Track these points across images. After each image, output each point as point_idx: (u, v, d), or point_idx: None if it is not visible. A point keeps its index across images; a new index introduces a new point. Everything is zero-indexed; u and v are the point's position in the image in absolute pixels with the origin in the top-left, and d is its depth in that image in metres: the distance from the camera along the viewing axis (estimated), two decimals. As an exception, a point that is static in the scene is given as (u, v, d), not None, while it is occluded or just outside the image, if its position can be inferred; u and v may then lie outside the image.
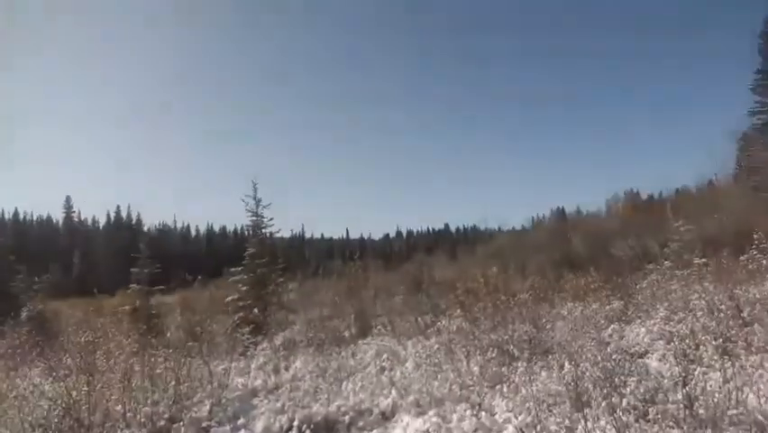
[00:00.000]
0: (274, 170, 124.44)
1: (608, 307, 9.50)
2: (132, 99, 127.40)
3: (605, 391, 4.97)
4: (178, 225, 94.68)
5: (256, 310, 13.47)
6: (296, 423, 5.50)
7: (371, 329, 11.71)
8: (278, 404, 6.31)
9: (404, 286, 18.28)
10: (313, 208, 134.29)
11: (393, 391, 6.35)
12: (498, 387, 6.12)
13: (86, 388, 5.65)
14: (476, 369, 6.80)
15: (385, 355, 8.62)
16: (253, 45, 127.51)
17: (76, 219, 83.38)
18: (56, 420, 5.46)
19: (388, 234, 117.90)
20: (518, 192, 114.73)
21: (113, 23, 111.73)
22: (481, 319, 8.97)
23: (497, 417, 5.29)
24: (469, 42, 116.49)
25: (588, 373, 5.40)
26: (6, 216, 77.80)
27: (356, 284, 13.16)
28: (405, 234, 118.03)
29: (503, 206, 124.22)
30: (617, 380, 5.16)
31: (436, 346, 8.14)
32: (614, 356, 5.78)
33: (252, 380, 7.85)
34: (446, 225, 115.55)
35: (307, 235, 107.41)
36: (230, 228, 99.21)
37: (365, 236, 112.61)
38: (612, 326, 8.33)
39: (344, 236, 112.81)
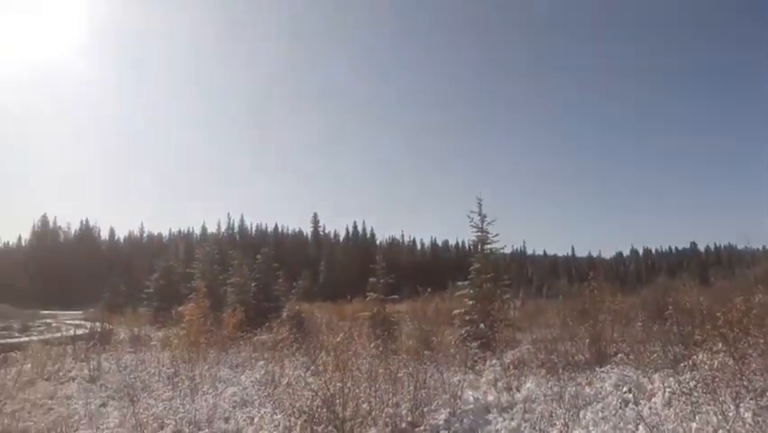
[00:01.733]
0: (495, 183, 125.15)
1: None
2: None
3: None
4: (406, 239, 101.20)
5: (482, 325, 13.58)
6: (532, 445, 5.36)
7: (609, 357, 10.81)
8: (514, 423, 6.23)
9: (644, 311, 16.51)
10: (535, 224, 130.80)
11: (641, 428, 5.75)
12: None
13: (339, 384, 6.28)
14: (747, 415, 5.75)
15: (626, 387, 7.88)
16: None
17: (322, 233, 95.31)
18: (317, 409, 6.19)
19: (620, 253, 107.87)
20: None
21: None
22: (753, 357, 7.56)
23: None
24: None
25: None
26: (269, 230, 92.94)
27: (591, 306, 12.29)
28: (641, 253, 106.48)
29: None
30: None
31: (692, 383, 7.12)
32: None
33: (484, 395, 7.91)
34: (693, 244, 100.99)
35: (529, 252, 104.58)
36: (452, 242, 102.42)
37: (593, 254, 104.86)
38: None
39: (570, 254, 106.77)
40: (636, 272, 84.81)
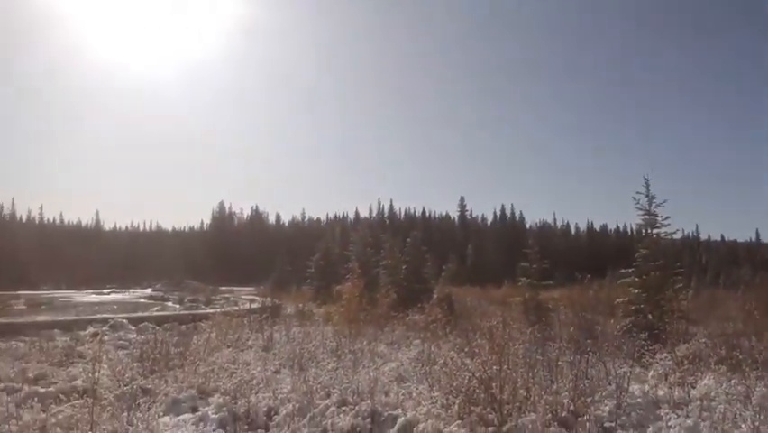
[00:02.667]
0: (665, 159, 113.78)
1: None
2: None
3: None
4: (558, 223, 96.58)
5: (650, 316, 12.52)
6: (715, 448, 4.86)
7: (808, 357, 9.33)
8: (689, 422, 5.68)
9: None
10: (711, 205, 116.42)
11: None
12: None
13: (496, 367, 6.26)
14: None
15: (833, 393, 6.75)
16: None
17: (468, 216, 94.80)
18: (474, 390, 6.25)
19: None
20: None
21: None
22: None
23: None
24: None
25: None
26: (417, 213, 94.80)
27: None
28: None
29: None
30: None
31: None
32: None
33: (654, 389, 7.33)
34: None
35: (703, 237, 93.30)
36: (611, 227, 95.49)
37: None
38: None
39: (753, 239, 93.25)
40: None
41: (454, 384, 6.46)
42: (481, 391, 6.11)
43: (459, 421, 5.76)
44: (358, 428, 6.02)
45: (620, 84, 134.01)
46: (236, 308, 23.26)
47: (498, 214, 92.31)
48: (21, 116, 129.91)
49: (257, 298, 31.49)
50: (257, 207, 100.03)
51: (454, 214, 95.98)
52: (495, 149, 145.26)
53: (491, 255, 69.75)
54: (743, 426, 5.63)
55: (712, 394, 6.95)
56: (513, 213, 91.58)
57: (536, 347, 7.63)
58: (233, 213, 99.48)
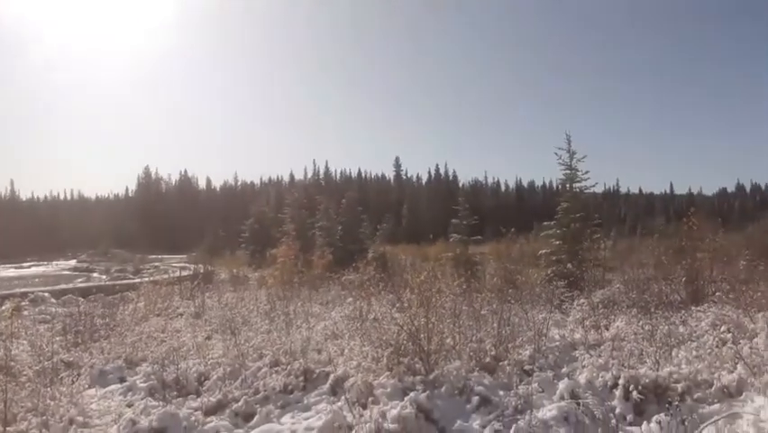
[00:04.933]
0: (586, 118, 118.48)
1: None
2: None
3: None
4: (489, 181, 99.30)
5: (570, 265, 13.27)
6: (621, 381, 5.26)
7: (706, 297, 10.25)
8: (601, 360, 6.14)
9: (749, 250, 15.34)
10: (629, 161, 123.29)
11: (739, 367, 5.48)
12: None
13: (424, 319, 6.46)
14: None
15: (725, 327, 7.46)
16: None
17: (404, 176, 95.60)
18: (403, 343, 6.44)
19: (725, 189, 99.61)
20: None
21: None
22: None
23: None
24: None
25: None
26: (353, 175, 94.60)
27: (688, 244, 11.60)
28: (749, 189, 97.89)
29: None
30: None
31: (803, 324, 6.63)
32: None
33: (571, 333, 7.84)
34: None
35: (623, 190, 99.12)
36: (538, 183, 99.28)
37: (694, 191, 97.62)
38: None
39: (668, 191, 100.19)
40: (742, 210, 77.98)
41: (384, 338, 6.61)
42: (410, 342, 6.29)
43: (388, 373, 5.94)
44: (290, 387, 6.08)
45: (545, 34, 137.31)
46: (166, 276, 22.61)
47: (433, 173, 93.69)
48: None
49: (188, 265, 30.71)
50: (185, 171, 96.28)
51: (390, 174, 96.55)
52: (429, 106, 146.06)
53: (426, 214, 70.94)
54: (647, 360, 6.14)
55: (622, 335, 7.50)
56: (447, 172, 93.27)
57: (463, 299, 7.90)
58: (161, 178, 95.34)
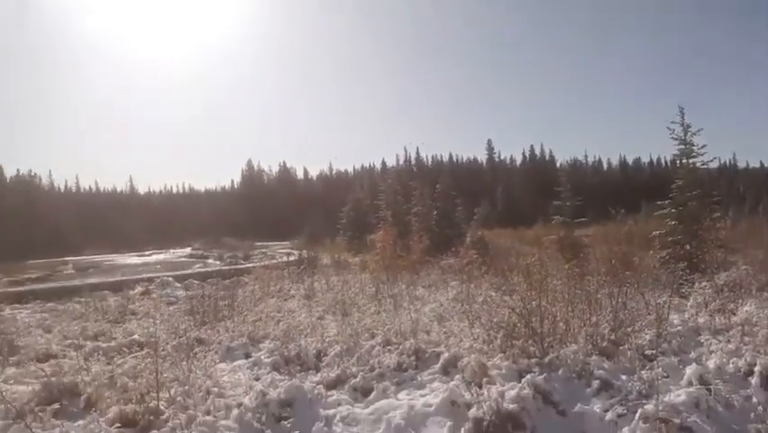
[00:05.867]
0: (696, 89, 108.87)
1: None
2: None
3: None
4: (590, 160, 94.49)
5: (688, 247, 12.40)
6: (757, 368, 4.92)
7: None
8: (731, 346, 5.75)
9: None
10: (746, 132, 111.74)
11: None
12: None
13: (536, 301, 6.38)
14: None
15: None
16: None
17: (497, 159, 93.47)
18: (515, 325, 6.40)
19: None
20: None
21: None
22: None
23: None
24: None
25: None
26: (444, 160, 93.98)
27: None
28: None
29: None
30: None
31: None
32: None
33: (694, 317, 7.38)
34: None
35: (741, 165, 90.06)
36: (644, 160, 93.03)
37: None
38: None
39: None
40: None
41: (494, 320, 6.63)
42: (522, 325, 6.25)
43: (501, 354, 5.96)
44: (404, 365, 6.28)
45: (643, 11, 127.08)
46: (274, 261, 23.88)
47: (528, 155, 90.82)
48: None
49: (292, 251, 32.18)
50: (284, 162, 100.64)
51: (482, 158, 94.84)
52: (521, 88, 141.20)
53: (522, 197, 69.03)
54: (785, 348, 5.65)
55: (753, 320, 6.96)
56: (543, 152, 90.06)
57: (574, 282, 7.68)
58: (262, 170, 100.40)
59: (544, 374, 5.18)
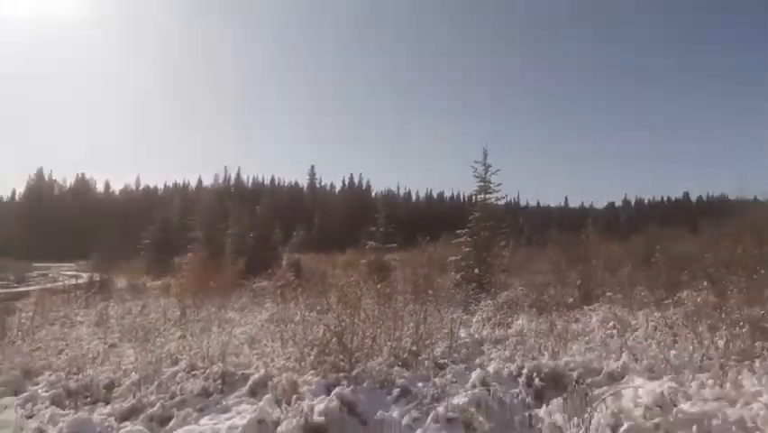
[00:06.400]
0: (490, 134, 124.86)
1: None
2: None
3: None
4: (401, 191, 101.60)
5: (477, 270, 14.10)
6: (525, 371, 5.83)
7: (597, 298, 11.38)
8: (507, 353, 6.72)
9: (632, 258, 17.08)
10: (529, 175, 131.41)
11: (624, 355, 6.24)
12: (746, 362, 5.61)
13: (348, 319, 6.68)
14: (721, 342, 6.24)
15: (612, 322, 8.40)
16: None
17: (318, 185, 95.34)
18: (328, 342, 6.58)
19: (613, 203, 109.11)
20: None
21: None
22: (733, 293, 8.08)
23: (743, 389, 4.88)
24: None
25: None
26: (265, 182, 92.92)
27: (582, 252, 12.82)
28: (633, 203, 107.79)
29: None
30: None
31: (675, 317, 7.63)
32: None
33: (479, 330, 8.42)
34: (686, 194, 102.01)
35: (522, 203, 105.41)
36: (447, 194, 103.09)
37: (586, 205, 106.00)
38: None
39: (563, 204, 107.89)
40: (628, 222, 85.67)
41: (309, 338, 6.77)
42: (335, 342, 6.47)
43: (313, 371, 6.09)
44: (209, 390, 6.03)
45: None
46: (59, 284, 21.04)
47: (348, 182, 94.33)
48: None
49: (81, 274, 28.71)
50: (83, 174, 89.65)
51: (304, 182, 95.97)
52: (343, 121, 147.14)
53: (338, 223, 71.20)
54: (545, 353, 6.78)
55: (524, 331, 8.22)
56: (361, 182, 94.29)
57: (383, 301, 8.22)
58: (54, 181, 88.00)
59: (351, 387, 5.44)
